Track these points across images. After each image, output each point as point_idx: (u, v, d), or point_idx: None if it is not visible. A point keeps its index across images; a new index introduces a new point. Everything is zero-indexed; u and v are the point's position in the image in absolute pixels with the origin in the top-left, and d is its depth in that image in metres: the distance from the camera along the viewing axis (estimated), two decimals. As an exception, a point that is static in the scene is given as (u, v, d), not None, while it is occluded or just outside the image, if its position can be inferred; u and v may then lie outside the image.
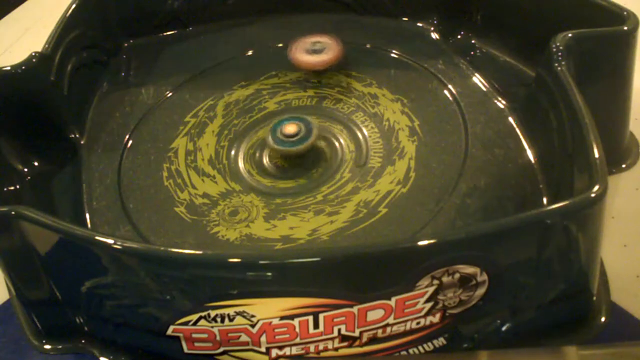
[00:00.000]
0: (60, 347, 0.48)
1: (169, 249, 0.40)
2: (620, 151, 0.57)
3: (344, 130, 0.59)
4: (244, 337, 0.41)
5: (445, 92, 0.62)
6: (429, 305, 0.40)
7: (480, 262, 0.38)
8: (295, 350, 0.42)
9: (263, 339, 0.41)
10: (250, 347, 0.42)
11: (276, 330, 0.41)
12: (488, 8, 0.64)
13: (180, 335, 0.42)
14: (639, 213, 0.53)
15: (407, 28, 0.70)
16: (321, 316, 0.40)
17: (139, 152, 0.60)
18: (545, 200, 0.51)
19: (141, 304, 0.42)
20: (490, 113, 0.59)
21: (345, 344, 0.42)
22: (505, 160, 0.54)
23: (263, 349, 0.42)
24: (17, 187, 0.56)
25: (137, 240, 0.52)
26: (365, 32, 0.70)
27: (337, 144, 0.58)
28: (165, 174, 0.58)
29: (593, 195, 0.38)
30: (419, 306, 0.40)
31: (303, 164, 0.57)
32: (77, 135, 0.62)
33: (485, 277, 0.39)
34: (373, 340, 0.42)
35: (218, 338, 0.42)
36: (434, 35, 0.69)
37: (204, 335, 0.42)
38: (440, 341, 0.43)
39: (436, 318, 0.41)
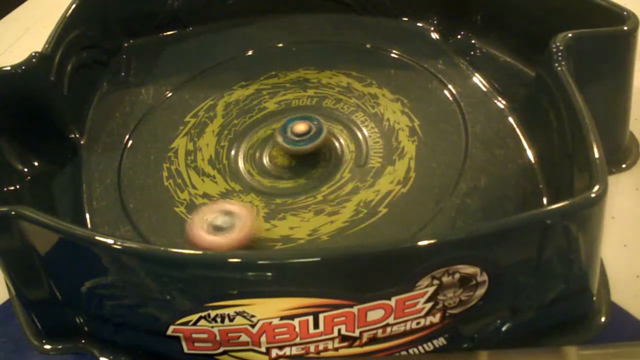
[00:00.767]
0: (60, 347, 0.48)
1: (169, 249, 0.40)
2: (620, 151, 0.57)
3: (344, 130, 0.59)
4: (244, 337, 0.41)
5: (445, 92, 0.62)
6: (429, 305, 0.40)
7: (480, 262, 0.38)
8: (295, 350, 0.42)
9: (263, 339, 0.41)
10: (250, 347, 0.42)
11: (276, 330, 0.41)
12: (488, 8, 0.64)
13: (180, 335, 0.42)
14: (639, 213, 0.53)
15: (407, 28, 0.70)
16: (321, 316, 0.40)
17: (139, 152, 0.60)
18: (545, 200, 0.51)
19: (141, 304, 0.42)
20: (490, 113, 0.59)
21: (345, 344, 0.42)
22: (505, 160, 0.54)
23: (263, 349, 0.42)
24: (17, 187, 0.56)
25: (137, 240, 0.52)
26: (365, 32, 0.70)
27: (337, 144, 0.58)
28: (165, 174, 0.58)
29: (593, 195, 0.38)
30: (419, 306, 0.40)
31: (303, 164, 0.57)
32: (77, 135, 0.62)
33: (485, 277, 0.39)
34: (373, 340, 0.42)
35: (218, 338, 0.42)
36: (434, 35, 0.69)
37: (204, 335, 0.42)
38: (440, 341, 0.43)
39: (436, 318, 0.41)
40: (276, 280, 0.38)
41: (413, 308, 0.40)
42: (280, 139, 0.56)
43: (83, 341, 0.48)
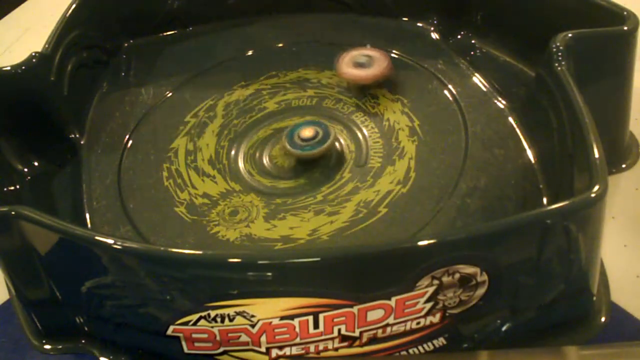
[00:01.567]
0: (60, 347, 0.48)
1: (169, 249, 0.40)
2: (620, 151, 0.57)
3: (344, 130, 0.59)
4: (244, 337, 0.41)
5: (445, 92, 0.62)
6: (429, 305, 0.40)
7: (480, 262, 0.38)
8: (295, 350, 0.42)
9: (263, 339, 0.41)
10: (250, 347, 0.42)
11: (276, 330, 0.41)
12: (488, 8, 0.64)
13: (180, 335, 0.42)
14: (639, 213, 0.53)
15: (407, 28, 0.70)
16: (321, 316, 0.40)
17: (139, 152, 0.60)
18: (545, 200, 0.51)
19: (141, 304, 0.42)
20: (490, 113, 0.59)
21: (345, 344, 0.42)
22: (505, 160, 0.54)
23: (263, 349, 0.42)
24: (17, 187, 0.56)
25: (137, 240, 0.52)
26: (365, 32, 0.70)
27: (337, 144, 0.58)
28: (165, 174, 0.58)
29: (593, 195, 0.38)
30: (419, 306, 0.40)
31: (303, 164, 0.57)
32: (77, 135, 0.62)
33: (485, 277, 0.39)
34: (373, 340, 0.42)
35: (218, 338, 0.42)
36: (434, 35, 0.69)
37: (204, 335, 0.42)
38: (440, 341, 0.43)
39: (436, 318, 0.41)
40: (276, 280, 0.38)
41: (413, 308, 0.40)
42: (287, 145, 0.56)
43: (83, 341, 0.48)
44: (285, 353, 0.42)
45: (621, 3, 0.52)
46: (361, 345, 0.42)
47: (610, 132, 0.55)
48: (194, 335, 0.42)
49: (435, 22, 0.69)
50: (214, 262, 0.39)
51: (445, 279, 0.38)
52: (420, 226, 0.50)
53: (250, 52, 0.70)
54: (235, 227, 0.52)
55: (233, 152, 0.59)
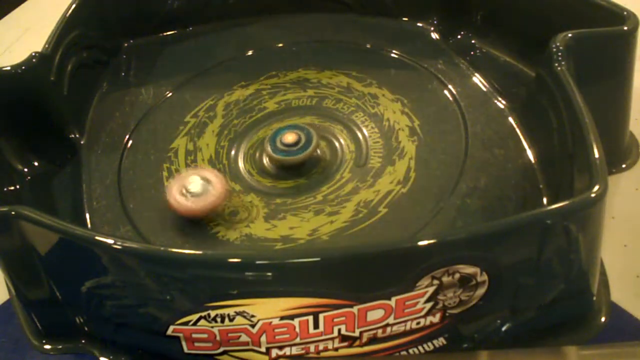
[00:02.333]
0: (60, 347, 0.48)
1: (169, 249, 0.40)
2: (620, 151, 0.57)
3: (344, 130, 0.59)
4: (244, 337, 0.41)
5: (445, 92, 0.62)
6: (429, 305, 0.40)
7: (480, 262, 0.38)
8: (295, 350, 0.42)
9: (263, 339, 0.41)
10: (250, 347, 0.42)
11: (276, 330, 0.41)
12: (488, 8, 0.64)
13: (180, 335, 0.42)
14: (639, 213, 0.53)
15: (407, 28, 0.70)
16: (321, 316, 0.40)
17: (139, 152, 0.60)
18: (545, 200, 0.51)
19: (141, 304, 0.42)
20: (490, 113, 0.59)
21: (345, 344, 0.42)
22: (505, 160, 0.54)
23: (263, 349, 0.42)
24: (17, 187, 0.56)
25: (137, 240, 0.52)
26: (365, 32, 0.70)
27: (337, 144, 0.58)
28: (165, 174, 0.58)
29: (593, 195, 0.38)
30: (419, 306, 0.40)
31: (302, 167, 0.57)
32: (77, 135, 0.62)
33: (485, 277, 0.39)
34: (373, 340, 0.42)
35: (218, 338, 0.42)
36: (434, 35, 0.69)
37: (204, 335, 0.42)
38: (440, 341, 0.43)
39: (436, 318, 0.41)
40: (276, 280, 0.38)
41: (413, 308, 0.40)
42: (269, 149, 0.55)
43: (83, 341, 0.48)
44: (285, 353, 0.42)
45: (621, 3, 0.52)
46: (361, 345, 0.42)
47: (610, 132, 0.55)
48: (194, 335, 0.42)
49: (435, 22, 0.69)
50: (214, 262, 0.39)
51: (445, 279, 0.38)
52: (420, 226, 0.50)
53: (250, 52, 0.70)
54: (235, 227, 0.52)
55: (233, 152, 0.59)
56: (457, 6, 0.66)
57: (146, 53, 0.72)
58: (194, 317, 0.41)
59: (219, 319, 0.40)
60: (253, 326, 0.41)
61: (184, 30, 0.74)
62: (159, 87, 0.67)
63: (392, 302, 0.39)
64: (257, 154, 0.58)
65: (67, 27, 0.62)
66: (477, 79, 0.63)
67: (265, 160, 0.58)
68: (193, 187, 0.51)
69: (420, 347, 0.43)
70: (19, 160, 0.57)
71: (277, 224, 0.52)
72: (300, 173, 0.56)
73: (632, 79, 0.53)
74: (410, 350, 0.43)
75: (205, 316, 0.40)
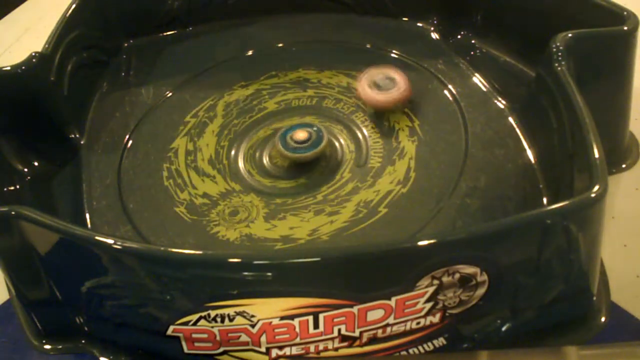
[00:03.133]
0: (60, 347, 0.48)
1: (169, 249, 0.40)
2: (620, 151, 0.57)
3: (344, 130, 0.59)
4: (244, 337, 0.41)
5: (445, 92, 0.62)
6: (429, 305, 0.40)
7: (480, 262, 0.38)
8: (295, 350, 0.42)
9: (263, 339, 0.41)
10: (250, 347, 0.42)
11: (276, 330, 0.41)
12: (488, 8, 0.64)
13: (180, 335, 0.42)
14: (639, 213, 0.53)
15: (407, 28, 0.70)
16: (321, 316, 0.40)
17: (139, 152, 0.60)
18: (545, 200, 0.51)
19: (141, 304, 0.42)
20: (490, 113, 0.59)
21: (345, 344, 0.42)
22: (505, 160, 0.54)
23: (263, 349, 0.42)
24: (17, 187, 0.56)
25: (137, 240, 0.52)
26: (365, 32, 0.70)
27: (337, 144, 0.58)
28: (165, 174, 0.58)
29: (593, 195, 0.38)
30: (419, 306, 0.40)
31: (303, 164, 0.57)
32: (77, 135, 0.62)
33: (485, 277, 0.39)
34: (373, 340, 0.42)
35: (218, 338, 0.42)
36: (434, 35, 0.69)
37: (204, 335, 0.42)
38: (440, 341, 0.43)
39: (436, 318, 0.41)
40: (276, 280, 0.38)
41: (413, 308, 0.40)
42: (280, 147, 0.56)
43: (83, 341, 0.48)
44: (285, 353, 0.42)
45: (621, 3, 0.52)
46: (361, 345, 0.42)
47: (610, 132, 0.55)
48: (194, 335, 0.42)
49: (435, 22, 0.69)
50: (214, 262, 0.39)
51: (445, 279, 0.38)
52: (420, 226, 0.50)
53: (250, 52, 0.70)
54: (235, 227, 0.52)
55: (233, 152, 0.59)
56: (457, 6, 0.66)
57: (146, 53, 0.72)
58: (194, 317, 0.41)
59: (219, 319, 0.40)
60: (253, 326, 0.41)
61: (184, 30, 0.74)
62: (159, 87, 0.67)
63: (392, 302, 0.39)
64: (257, 154, 0.58)
65: (67, 27, 0.62)
66: (477, 79, 0.63)
67: (265, 160, 0.58)
68: (381, 82, 0.59)
69: (420, 347, 0.43)
70: (19, 160, 0.57)
71: (277, 224, 0.52)
72: (310, 170, 0.56)
73: (632, 79, 0.53)
74: (410, 350, 0.43)
75: (205, 316, 0.40)
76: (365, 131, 0.59)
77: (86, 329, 0.48)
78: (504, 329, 0.43)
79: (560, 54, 0.49)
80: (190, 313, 0.41)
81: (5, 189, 0.55)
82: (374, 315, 0.40)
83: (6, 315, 0.51)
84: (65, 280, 0.45)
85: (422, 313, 0.40)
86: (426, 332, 0.42)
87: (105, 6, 0.69)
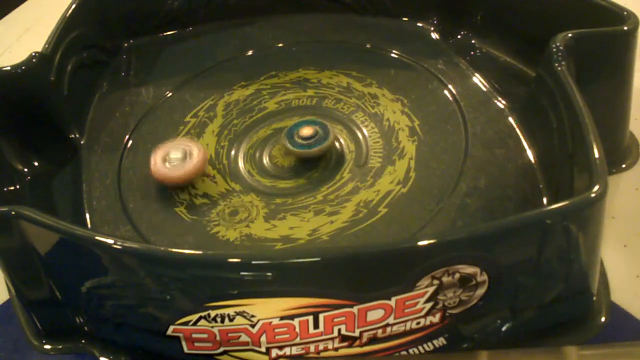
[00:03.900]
0: (60, 347, 0.48)
1: (169, 249, 0.40)
2: (620, 151, 0.57)
3: (344, 130, 0.59)
4: (244, 337, 0.41)
5: (445, 92, 0.62)
6: (429, 305, 0.40)
7: (480, 262, 0.38)
8: (295, 350, 0.42)
9: (263, 339, 0.41)
10: (250, 347, 0.42)
11: (276, 330, 0.41)
12: (488, 8, 0.64)
13: (180, 335, 0.42)
14: (639, 213, 0.53)
15: (407, 28, 0.70)
16: (321, 316, 0.40)
17: (139, 152, 0.60)
18: (545, 200, 0.51)
19: (141, 304, 0.42)
20: (490, 113, 0.59)
21: (345, 344, 0.42)
22: (505, 160, 0.54)
23: (263, 349, 0.42)
24: (17, 187, 0.56)
25: (137, 240, 0.52)
26: (365, 32, 0.70)
27: (337, 144, 0.58)
28: (165, 174, 0.58)
29: (593, 195, 0.38)
30: (419, 306, 0.40)
31: (303, 164, 0.57)
32: (77, 135, 0.62)
33: (485, 277, 0.39)
34: (373, 340, 0.42)
35: (218, 338, 0.42)
36: (434, 35, 0.69)
37: (204, 335, 0.42)
38: (440, 341, 0.43)
39: (436, 318, 0.41)
40: (276, 280, 0.38)
41: (413, 308, 0.40)
42: (287, 143, 0.56)
43: (83, 341, 0.48)
44: (285, 353, 0.42)
45: (621, 3, 0.52)
46: (361, 345, 0.42)
47: (610, 132, 0.55)
48: (194, 335, 0.42)
49: (435, 22, 0.69)
50: (214, 262, 0.39)
51: (445, 279, 0.38)
52: (420, 226, 0.50)
53: (250, 52, 0.70)
54: (235, 227, 0.52)
55: (233, 152, 0.59)
56: (457, 6, 0.66)
57: (146, 53, 0.72)
58: (194, 317, 0.41)
59: (219, 319, 0.40)
60: (253, 326, 0.41)
61: (184, 30, 0.74)
62: (159, 87, 0.67)
63: (392, 302, 0.39)
64: (257, 154, 0.58)
65: (67, 27, 0.62)
66: (477, 79, 0.63)
67: (265, 160, 0.58)
68: (174, 155, 0.55)
69: (420, 347, 0.43)
70: (19, 160, 0.57)
71: (277, 224, 0.52)
72: (311, 170, 0.56)
73: (632, 79, 0.53)
74: (410, 350, 0.43)
75: (205, 316, 0.40)
76: (365, 131, 0.59)
77: (86, 329, 0.48)
78: (504, 329, 0.43)
79: (560, 54, 0.49)
80: (190, 313, 0.41)
81: (5, 189, 0.55)
82: (374, 315, 0.40)
83: (6, 315, 0.51)
84: (65, 280, 0.45)
85: (422, 313, 0.40)
86: (426, 332, 0.42)
87: (105, 6, 0.69)
